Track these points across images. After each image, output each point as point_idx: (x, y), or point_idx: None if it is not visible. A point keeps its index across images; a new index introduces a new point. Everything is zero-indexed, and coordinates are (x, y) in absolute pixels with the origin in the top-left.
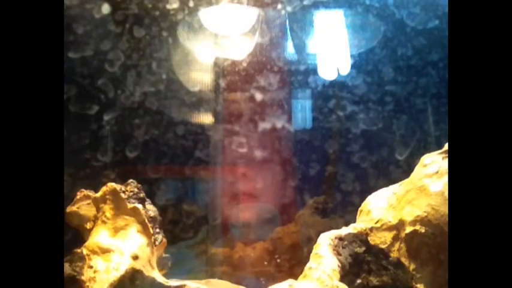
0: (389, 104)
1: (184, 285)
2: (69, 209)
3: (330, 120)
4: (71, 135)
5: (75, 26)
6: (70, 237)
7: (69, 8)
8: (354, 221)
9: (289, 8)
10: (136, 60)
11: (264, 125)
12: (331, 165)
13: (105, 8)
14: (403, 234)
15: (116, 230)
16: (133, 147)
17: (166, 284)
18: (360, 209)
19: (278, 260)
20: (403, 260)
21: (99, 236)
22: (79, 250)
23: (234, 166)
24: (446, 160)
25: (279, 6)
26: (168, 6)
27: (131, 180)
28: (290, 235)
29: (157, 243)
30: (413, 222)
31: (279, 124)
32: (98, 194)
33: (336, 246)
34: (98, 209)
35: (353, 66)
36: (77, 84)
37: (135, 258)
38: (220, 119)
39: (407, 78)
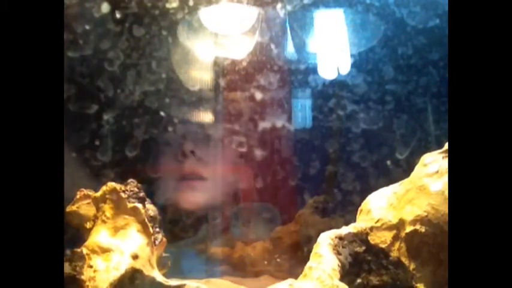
0: (390, 103)
1: (184, 284)
2: (69, 208)
3: (330, 120)
4: (70, 135)
5: (75, 25)
6: (70, 237)
7: (69, 7)
8: (354, 221)
9: (289, 7)
10: (136, 59)
11: (264, 124)
12: (331, 164)
13: (105, 7)
14: (403, 234)
15: (116, 230)
16: (132, 146)
17: (166, 283)
18: (360, 208)
19: (278, 260)
20: (403, 259)
21: (99, 236)
22: (79, 250)
23: (233, 165)
24: (447, 159)
25: (279, 5)
26: (168, 5)
27: (131, 179)
28: (290, 234)
29: (157, 242)
30: (414, 222)
31: (278, 123)
32: (98, 194)
33: (336, 245)
34: (98, 209)
35: (353, 66)
36: (76, 83)
37: (135, 257)
38: (220, 118)
39: (408, 78)
